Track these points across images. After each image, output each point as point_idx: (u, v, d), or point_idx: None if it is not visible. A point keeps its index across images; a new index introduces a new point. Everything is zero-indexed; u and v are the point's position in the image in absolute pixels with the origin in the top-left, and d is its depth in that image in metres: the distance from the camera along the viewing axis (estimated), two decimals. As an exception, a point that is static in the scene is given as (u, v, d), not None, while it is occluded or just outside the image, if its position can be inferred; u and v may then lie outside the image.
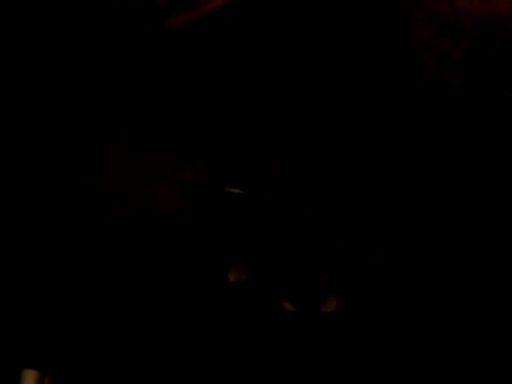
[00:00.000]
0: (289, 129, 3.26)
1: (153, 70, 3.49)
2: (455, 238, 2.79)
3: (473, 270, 2.70)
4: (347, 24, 3.44)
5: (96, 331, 2.69)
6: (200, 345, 2.64)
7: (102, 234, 2.94)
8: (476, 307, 2.61)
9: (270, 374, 2.57)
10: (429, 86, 3.13)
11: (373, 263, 2.76)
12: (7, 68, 3.43)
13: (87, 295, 2.78)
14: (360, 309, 2.67)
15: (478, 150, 2.99)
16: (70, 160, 3.21)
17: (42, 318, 2.73)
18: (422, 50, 3.14)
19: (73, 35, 3.50)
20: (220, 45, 3.65)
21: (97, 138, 3.30)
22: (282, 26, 3.60)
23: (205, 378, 2.58)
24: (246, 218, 2.76)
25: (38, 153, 3.22)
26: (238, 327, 2.67)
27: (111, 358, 2.63)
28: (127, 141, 3.26)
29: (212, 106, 3.39)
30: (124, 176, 3.14)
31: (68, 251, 2.90)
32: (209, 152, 3.22)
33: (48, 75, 3.44)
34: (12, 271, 2.85)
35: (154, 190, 3.09)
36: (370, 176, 3.03)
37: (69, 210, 3.04)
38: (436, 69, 3.11)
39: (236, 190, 2.80)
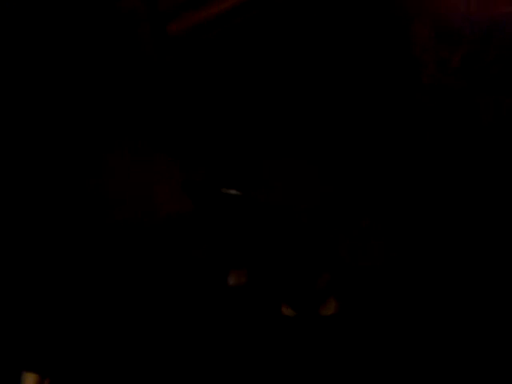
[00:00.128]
0: (288, 129, 3.27)
1: (154, 74, 3.50)
2: (453, 238, 2.79)
3: (472, 269, 2.70)
4: (348, 26, 3.44)
5: (95, 334, 2.69)
6: (199, 347, 2.64)
7: (104, 236, 2.94)
8: (475, 308, 2.61)
9: (270, 377, 2.57)
10: (428, 89, 3.14)
11: (372, 264, 2.76)
12: (9, 71, 3.44)
13: (87, 297, 2.78)
14: (360, 310, 2.66)
15: (475, 153, 2.99)
16: (73, 163, 3.22)
17: (41, 321, 2.74)
18: (422, 53, 3.15)
19: (75, 39, 3.51)
20: (221, 48, 3.66)
21: (99, 142, 3.31)
22: (284, 30, 3.61)
23: (204, 380, 2.59)
24: (244, 220, 2.76)
25: (41, 156, 3.23)
26: (237, 330, 2.67)
27: (110, 361, 2.63)
28: (128, 144, 3.27)
29: (212, 107, 3.40)
30: (125, 178, 3.15)
31: (70, 253, 2.91)
32: (208, 153, 3.22)
33: (50, 79, 3.45)
34: (13, 273, 2.85)
35: (155, 191, 3.10)
36: (370, 177, 3.03)
37: (71, 212, 3.05)
38: (435, 73, 3.12)
39: (233, 192, 2.80)
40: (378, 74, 3.30)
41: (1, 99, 3.38)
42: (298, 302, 2.69)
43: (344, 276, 2.74)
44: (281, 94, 3.45)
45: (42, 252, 2.92)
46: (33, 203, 3.08)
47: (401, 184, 3.00)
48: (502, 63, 2.99)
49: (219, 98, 3.44)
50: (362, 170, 3.07)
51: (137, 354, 2.64)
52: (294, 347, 2.61)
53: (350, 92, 3.33)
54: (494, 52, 3.00)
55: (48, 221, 3.01)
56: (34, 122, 3.33)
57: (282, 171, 3.11)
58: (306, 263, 2.72)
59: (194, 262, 2.84)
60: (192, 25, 3.59)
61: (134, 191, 3.11)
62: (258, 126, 3.29)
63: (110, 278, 2.82)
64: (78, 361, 2.65)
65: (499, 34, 3.00)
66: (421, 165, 3.04)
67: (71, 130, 3.33)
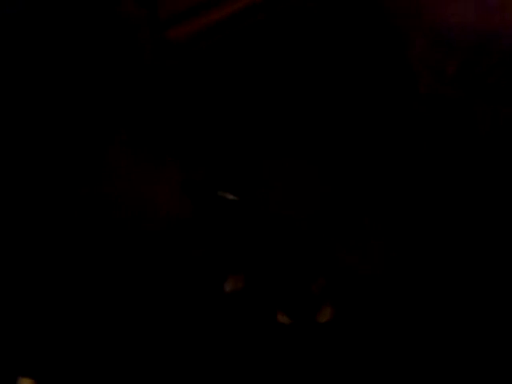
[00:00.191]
0: (288, 132, 3.28)
1: (154, 78, 3.51)
2: (451, 243, 2.79)
3: (471, 271, 2.70)
4: (345, 35, 3.45)
5: (93, 339, 2.69)
6: (195, 353, 2.64)
7: (103, 237, 2.95)
8: (475, 313, 2.61)
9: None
10: (424, 98, 3.14)
11: (371, 267, 2.75)
12: (9, 73, 3.45)
13: (86, 301, 2.78)
14: (357, 316, 2.66)
15: (473, 163, 3.00)
16: (72, 165, 3.22)
17: (37, 325, 2.74)
18: (418, 62, 3.15)
19: (75, 44, 3.51)
20: (219, 55, 3.67)
21: (98, 144, 3.31)
22: (282, 39, 3.61)
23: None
24: (240, 225, 2.77)
25: (40, 157, 3.24)
26: (233, 337, 2.67)
27: (108, 367, 2.63)
28: (128, 145, 3.28)
29: (211, 110, 3.41)
30: (124, 179, 3.15)
31: (68, 254, 2.91)
32: (207, 154, 3.23)
33: (51, 83, 3.46)
34: (12, 275, 2.86)
35: (154, 193, 3.10)
36: (369, 181, 3.03)
37: (70, 212, 3.05)
38: (431, 82, 3.12)
39: (230, 196, 2.81)
40: (375, 83, 3.31)
41: (1, 101, 3.39)
42: (294, 308, 2.69)
43: (341, 281, 2.74)
44: (280, 98, 3.45)
45: (40, 254, 2.93)
46: (32, 203, 3.09)
47: (400, 189, 3.00)
48: (499, 72, 2.99)
49: (219, 101, 3.44)
50: (361, 175, 3.08)
51: (133, 359, 2.64)
52: (290, 355, 2.61)
53: (349, 99, 3.33)
54: (490, 61, 3.00)
55: (46, 222, 3.02)
56: (35, 124, 3.34)
57: (281, 172, 3.11)
58: (301, 266, 2.72)
59: (191, 266, 2.84)
60: (192, 31, 3.60)
61: (133, 192, 3.11)
62: (258, 127, 3.30)
63: (107, 279, 2.83)
64: (74, 366, 2.65)
65: (496, 43, 3.01)
66: (419, 174, 3.05)
67: (71, 131, 3.34)
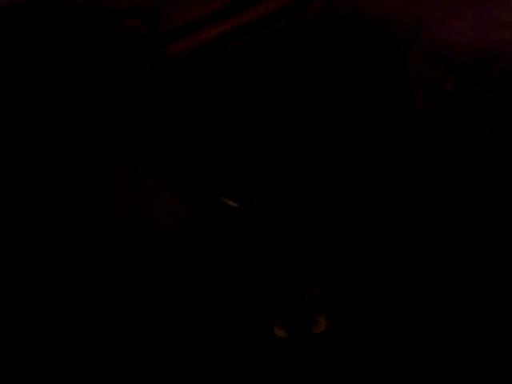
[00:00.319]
0: (286, 138, 3.29)
1: (153, 94, 3.52)
2: (449, 255, 2.79)
3: (471, 277, 2.69)
4: (343, 55, 3.47)
5: (91, 348, 2.69)
6: (190, 369, 2.64)
7: (105, 249, 2.95)
8: (475, 321, 2.60)
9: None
10: (422, 114, 3.15)
11: (368, 277, 2.75)
12: (10, 88, 3.46)
13: (84, 314, 2.78)
14: (353, 327, 2.65)
15: (470, 181, 3.00)
16: (74, 177, 3.23)
17: (35, 336, 2.74)
18: (415, 79, 3.16)
19: (76, 59, 3.52)
20: (219, 70, 3.68)
21: (99, 157, 3.32)
22: (279, 54, 3.63)
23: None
24: (240, 234, 2.77)
25: (42, 170, 3.25)
26: (230, 351, 2.67)
27: (104, 375, 2.63)
28: (127, 158, 3.28)
29: (209, 121, 3.41)
30: (125, 192, 3.15)
31: (70, 266, 2.91)
32: (206, 162, 3.23)
33: (51, 96, 3.47)
34: (13, 284, 2.86)
35: (154, 205, 3.10)
36: (367, 191, 3.04)
37: (72, 225, 3.05)
38: (429, 98, 3.14)
39: (232, 202, 2.81)
40: (372, 103, 3.32)
41: (3, 115, 3.40)
42: (289, 320, 2.68)
43: (336, 291, 2.73)
44: (280, 109, 3.47)
45: (41, 262, 2.93)
46: (34, 215, 3.09)
47: (397, 199, 3.01)
48: (497, 90, 3.00)
49: (218, 113, 3.46)
50: (359, 184, 3.08)
51: (130, 369, 2.63)
52: (288, 368, 2.60)
53: (347, 110, 3.35)
54: (488, 79, 3.02)
55: (48, 233, 3.02)
56: (38, 138, 3.35)
57: (280, 179, 3.12)
58: (295, 279, 2.72)
59: (188, 279, 2.84)
60: (192, 46, 3.62)
61: (133, 204, 3.11)
62: (258, 136, 3.31)
63: (107, 290, 2.82)
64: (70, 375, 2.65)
65: (494, 61, 3.02)
66: (416, 183, 3.05)
67: (72, 143, 3.34)
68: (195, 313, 2.75)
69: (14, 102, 3.44)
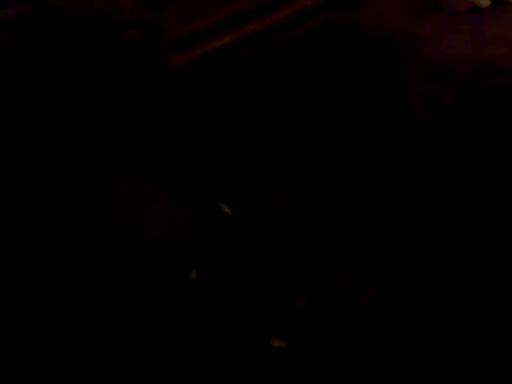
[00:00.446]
0: (283, 150, 3.30)
1: (153, 105, 3.53)
2: (446, 263, 2.79)
3: (469, 282, 2.69)
4: (341, 68, 3.48)
5: (88, 350, 2.69)
6: (189, 378, 2.63)
7: (95, 261, 2.95)
8: (474, 321, 2.60)
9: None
10: (419, 130, 3.16)
11: (367, 280, 2.75)
12: (10, 98, 3.47)
13: (82, 317, 2.78)
14: (350, 329, 2.66)
15: (466, 190, 3.01)
16: (74, 187, 3.23)
17: (33, 340, 2.74)
18: (412, 94, 3.17)
19: (76, 71, 3.53)
20: (221, 82, 3.69)
21: (98, 167, 3.33)
22: (279, 67, 3.64)
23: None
24: (234, 242, 2.78)
25: (39, 176, 3.25)
26: (228, 365, 2.67)
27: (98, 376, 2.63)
28: (126, 168, 3.29)
29: (208, 132, 3.42)
30: (124, 202, 3.16)
31: (67, 273, 2.92)
32: (204, 171, 3.24)
33: (51, 107, 3.48)
34: (12, 292, 2.86)
35: (147, 217, 3.10)
36: (361, 206, 3.05)
37: (69, 232, 3.05)
38: (427, 113, 3.15)
39: (227, 209, 2.82)
40: (369, 118, 3.33)
41: (4, 124, 3.41)
42: (286, 329, 2.69)
43: (323, 299, 2.74)
44: (277, 123, 3.48)
45: (35, 269, 2.93)
46: (33, 223, 3.10)
47: (395, 208, 3.02)
48: (493, 105, 3.01)
49: (217, 124, 3.47)
50: (354, 199, 3.09)
51: (125, 378, 2.63)
52: (287, 370, 2.60)
53: (344, 124, 3.36)
54: (485, 94, 3.02)
55: (43, 240, 3.03)
56: (36, 145, 3.36)
57: (277, 184, 3.13)
58: (284, 286, 2.73)
59: (183, 289, 2.84)
60: (192, 58, 3.63)
61: (131, 211, 3.12)
62: (256, 143, 3.32)
63: (102, 297, 2.83)
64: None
65: (491, 76, 3.03)
66: (412, 207, 3.06)
67: (71, 151, 3.35)
68: (192, 318, 2.75)
69: (17, 111, 3.46)
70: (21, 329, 2.77)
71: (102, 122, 3.52)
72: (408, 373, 2.50)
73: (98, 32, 3.44)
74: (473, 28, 3.24)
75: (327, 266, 2.86)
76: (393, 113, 3.27)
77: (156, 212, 3.14)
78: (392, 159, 3.24)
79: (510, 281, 2.71)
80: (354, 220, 3.03)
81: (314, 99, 3.50)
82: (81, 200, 3.21)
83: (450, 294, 2.71)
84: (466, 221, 2.95)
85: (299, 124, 3.50)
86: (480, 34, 3.20)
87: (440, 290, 2.73)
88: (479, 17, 3.33)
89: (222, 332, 2.71)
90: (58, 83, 3.54)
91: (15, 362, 2.66)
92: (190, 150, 3.43)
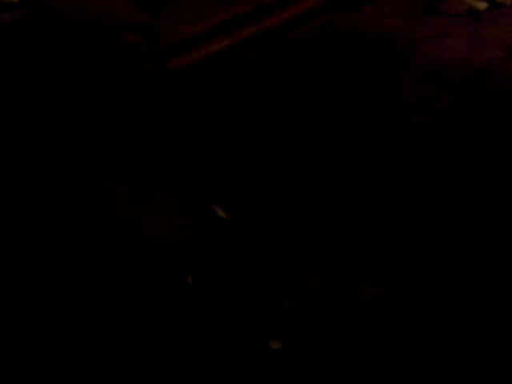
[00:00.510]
0: (280, 156, 3.30)
1: (152, 109, 3.53)
2: (445, 265, 2.79)
3: (469, 283, 2.70)
4: (340, 70, 3.49)
5: (87, 358, 2.69)
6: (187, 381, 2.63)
7: (96, 265, 2.95)
8: (474, 322, 2.60)
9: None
10: (417, 132, 3.17)
11: (367, 280, 2.75)
12: (9, 102, 3.47)
13: (81, 319, 2.78)
14: (350, 330, 2.66)
15: (463, 195, 3.02)
16: (73, 191, 3.24)
17: (30, 348, 2.74)
18: (410, 97, 3.18)
19: (75, 75, 3.54)
20: (217, 86, 3.70)
21: (97, 171, 3.33)
22: (278, 70, 3.65)
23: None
24: (226, 245, 2.78)
25: (38, 181, 3.25)
26: (227, 367, 2.67)
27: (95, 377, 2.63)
28: (125, 172, 3.29)
29: (207, 134, 3.42)
30: (122, 205, 3.16)
31: (67, 276, 2.92)
32: (201, 174, 3.24)
33: (50, 110, 3.48)
34: (11, 294, 2.86)
35: (146, 221, 3.11)
36: (357, 207, 3.05)
37: (69, 236, 3.06)
38: (424, 115, 3.15)
39: (221, 212, 2.82)
40: (368, 120, 3.34)
41: (4, 125, 3.42)
42: (283, 330, 2.69)
43: (310, 301, 2.73)
44: (275, 126, 3.48)
45: (35, 272, 2.93)
46: (28, 224, 3.10)
47: (394, 209, 3.02)
48: (490, 107, 3.01)
49: (216, 126, 3.47)
50: (350, 200, 3.10)
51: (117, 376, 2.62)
52: (286, 371, 2.59)
53: (342, 126, 3.36)
54: (481, 96, 3.03)
55: (43, 243, 3.03)
56: (35, 149, 3.36)
57: (273, 186, 3.14)
58: (271, 288, 2.73)
59: (181, 292, 2.84)
60: (191, 61, 3.63)
61: (130, 215, 3.12)
62: (255, 147, 3.33)
63: (101, 300, 2.83)
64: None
65: (487, 79, 3.04)
66: (410, 206, 3.07)
67: (70, 155, 3.35)
68: (190, 320, 2.75)
69: (16, 115, 3.46)
70: (21, 330, 2.77)
71: (100, 125, 3.53)
72: (408, 373, 2.51)
73: (97, 35, 3.44)
74: (470, 31, 3.25)
75: (327, 266, 2.87)
76: (391, 114, 3.28)
77: (155, 214, 3.15)
78: (391, 159, 3.25)
79: (508, 280, 2.72)
80: (354, 220, 3.04)
81: (313, 101, 3.51)
82: (81, 202, 3.21)
83: (449, 294, 2.71)
84: (464, 220, 2.95)
85: (298, 126, 3.51)
86: (477, 37, 3.21)
87: (440, 289, 2.73)
88: (476, 19, 3.34)
89: (219, 334, 2.72)
90: (57, 87, 3.54)
91: (15, 363, 2.66)
92: (187, 153, 3.44)
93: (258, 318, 2.73)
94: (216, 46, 3.65)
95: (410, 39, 3.28)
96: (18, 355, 2.70)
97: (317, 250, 2.93)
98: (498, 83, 3.00)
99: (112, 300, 2.83)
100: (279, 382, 2.55)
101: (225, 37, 3.68)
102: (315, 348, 2.61)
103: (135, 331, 2.74)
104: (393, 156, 3.25)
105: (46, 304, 2.84)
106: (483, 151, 3.02)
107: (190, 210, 2.96)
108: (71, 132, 3.47)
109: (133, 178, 3.31)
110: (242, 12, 3.67)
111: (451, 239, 2.90)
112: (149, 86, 3.52)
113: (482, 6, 3.43)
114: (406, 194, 3.12)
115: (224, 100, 3.69)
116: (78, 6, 3.49)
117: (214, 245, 2.84)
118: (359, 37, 3.46)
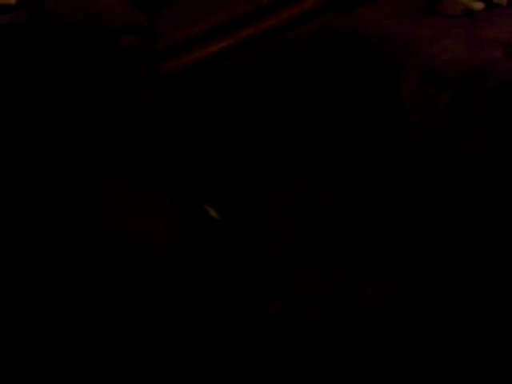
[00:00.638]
0: (276, 156, 3.31)
1: (149, 111, 3.54)
2: (444, 267, 2.80)
3: (469, 284, 2.70)
4: (339, 71, 3.50)
5: (86, 358, 2.69)
6: (183, 379, 2.64)
7: (93, 268, 2.95)
8: (474, 323, 2.60)
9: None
10: (416, 132, 3.18)
11: (367, 282, 2.76)
12: (8, 104, 3.47)
13: (79, 320, 2.79)
14: (350, 330, 2.66)
15: (463, 196, 3.03)
16: (70, 193, 3.24)
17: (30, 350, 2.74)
18: (409, 97, 3.19)
19: (72, 77, 3.54)
20: (214, 88, 3.71)
21: (94, 174, 3.34)
22: (275, 71, 3.66)
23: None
24: (216, 246, 2.79)
25: (37, 183, 3.26)
26: (224, 366, 2.67)
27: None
28: (122, 175, 3.30)
29: (202, 135, 3.43)
30: (118, 207, 3.16)
31: (66, 278, 2.92)
32: (195, 175, 3.25)
33: (47, 115, 3.48)
34: (9, 291, 2.86)
35: (144, 224, 3.11)
36: (354, 212, 3.06)
37: (67, 238, 3.06)
38: (422, 116, 3.16)
39: (214, 213, 2.82)
40: (366, 120, 3.35)
41: (3, 129, 3.42)
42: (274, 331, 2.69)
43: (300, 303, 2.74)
44: (272, 128, 3.49)
45: (34, 274, 2.93)
46: (27, 226, 3.10)
47: (394, 210, 3.03)
48: (488, 107, 3.03)
49: (211, 127, 3.48)
50: (354, 199, 3.11)
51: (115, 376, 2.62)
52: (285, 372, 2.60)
53: (341, 126, 3.38)
54: (479, 96, 3.04)
55: (41, 245, 3.03)
56: (35, 152, 3.36)
57: (271, 191, 3.15)
58: (258, 288, 2.73)
59: (178, 295, 2.84)
60: (188, 63, 3.64)
61: (128, 217, 3.12)
62: (251, 148, 3.33)
63: (97, 304, 2.83)
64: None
65: (485, 79, 3.05)
66: (410, 207, 3.08)
67: (68, 158, 3.36)
68: (187, 320, 2.76)
69: (15, 116, 3.47)
70: (21, 331, 2.77)
71: (97, 127, 3.53)
72: (408, 373, 2.51)
73: (94, 37, 3.45)
74: (467, 31, 3.26)
75: (326, 266, 2.87)
76: (390, 114, 3.28)
77: (152, 216, 3.15)
78: (389, 159, 3.25)
79: (508, 280, 2.73)
80: (353, 221, 3.05)
81: (311, 102, 3.52)
82: (79, 204, 3.22)
83: (449, 295, 2.72)
84: (464, 220, 2.96)
85: (296, 127, 3.51)
86: (474, 37, 3.22)
87: (440, 290, 2.74)
88: (473, 20, 3.35)
89: (213, 335, 2.72)
90: (55, 88, 3.55)
91: (15, 363, 2.67)
92: (184, 154, 3.44)
93: (250, 319, 2.74)
94: (214, 48, 3.66)
95: (407, 40, 3.29)
96: (17, 356, 2.70)
97: (316, 250, 2.94)
98: (495, 83, 3.01)
99: (110, 301, 2.83)
100: (276, 383, 2.56)
101: (223, 38, 3.68)
102: (313, 348, 2.62)
103: (132, 332, 2.74)
104: (391, 156, 3.26)
105: (44, 305, 2.85)
106: (481, 151, 3.02)
107: (183, 211, 2.96)
108: (69, 134, 3.47)
109: (130, 179, 3.31)
110: (239, 13, 3.68)
111: (451, 239, 2.91)
112: (146, 88, 3.53)
113: (479, 6, 3.44)
114: (405, 194, 3.12)
115: (222, 101, 3.70)
116: (76, 8, 3.49)
117: (205, 244, 2.84)
118: (357, 37, 3.46)
